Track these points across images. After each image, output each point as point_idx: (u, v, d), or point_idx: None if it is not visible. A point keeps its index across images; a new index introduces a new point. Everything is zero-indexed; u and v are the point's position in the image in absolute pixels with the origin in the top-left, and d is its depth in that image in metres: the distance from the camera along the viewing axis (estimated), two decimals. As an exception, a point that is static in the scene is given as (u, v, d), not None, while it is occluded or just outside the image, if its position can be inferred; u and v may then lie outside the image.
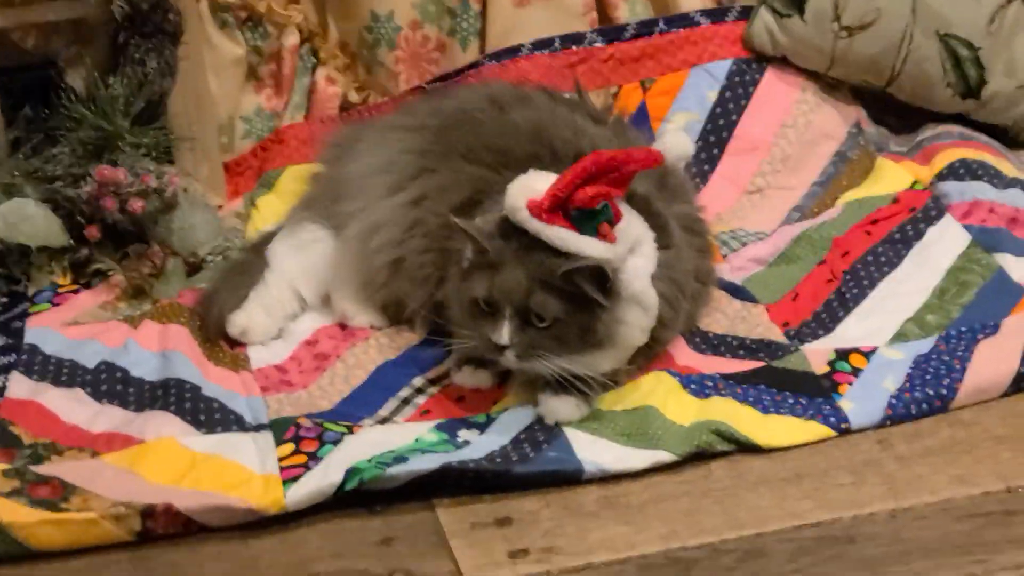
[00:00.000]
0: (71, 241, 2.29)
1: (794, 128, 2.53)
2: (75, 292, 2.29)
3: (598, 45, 2.56)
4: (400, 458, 1.82)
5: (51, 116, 2.36)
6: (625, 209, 1.92)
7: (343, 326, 2.17)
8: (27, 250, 2.27)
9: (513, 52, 2.53)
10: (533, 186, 1.89)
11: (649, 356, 2.00)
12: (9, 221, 2.25)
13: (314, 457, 1.85)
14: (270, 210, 2.44)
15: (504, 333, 1.84)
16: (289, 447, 1.88)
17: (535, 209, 1.84)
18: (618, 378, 1.97)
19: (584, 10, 2.56)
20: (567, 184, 1.85)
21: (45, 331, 2.16)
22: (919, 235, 2.30)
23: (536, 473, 1.83)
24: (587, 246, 1.85)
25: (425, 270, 2.08)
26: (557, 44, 2.55)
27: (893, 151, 2.60)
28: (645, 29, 2.58)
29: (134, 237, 2.30)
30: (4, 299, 2.26)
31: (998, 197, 2.35)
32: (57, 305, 2.25)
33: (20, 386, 2.02)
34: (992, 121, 2.61)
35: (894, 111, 2.66)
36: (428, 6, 2.50)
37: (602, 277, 1.84)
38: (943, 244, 2.27)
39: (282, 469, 1.83)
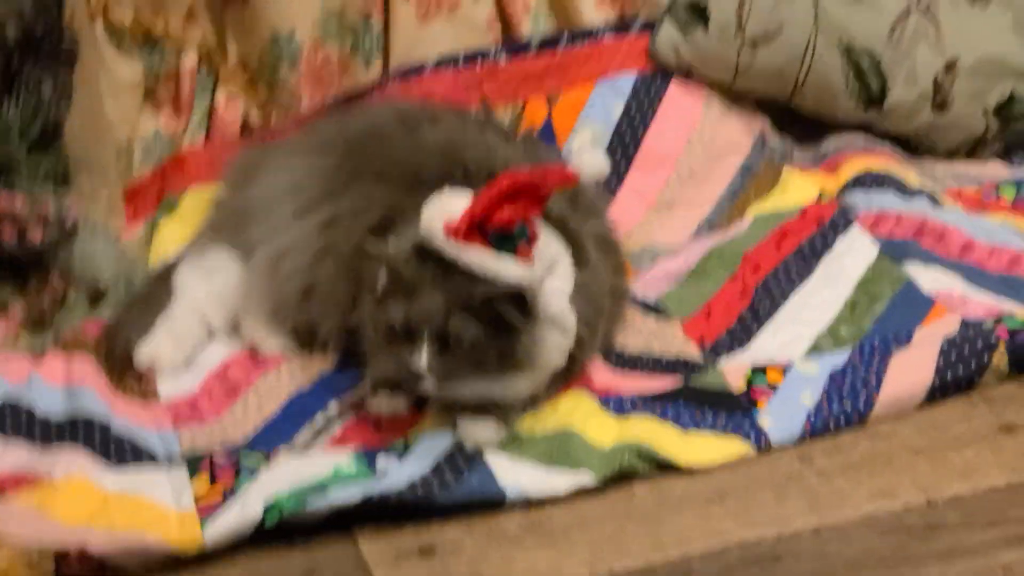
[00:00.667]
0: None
1: (700, 142, 2.53)
2: (-29, 325, 2.21)
3: (502, 61, 2.53)
4: (319, 489, 1.78)
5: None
6: (542, 229, 1.90)
7: (253, 353, 2.12)
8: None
9: (417, 69, 2.51)
10: (448, 207, 1.86)
11: (567, 377, 1.98)
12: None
13: (231, 492, 1.81)
14: (172, 235, 2.39)
15: (423, 359, 1.82)
16: (204, 481, 1.83)
17: (452, 232, 1.82)
18: (536, 401, 1.94)
19: (487, 25, 2.54)
20: (484, 205, 1.82)
21: (-57, 368, 2.09)
22: (828, 246, 2.31)
23: (458, 501, 1.80)
24: (505, 269, 1.82)
25: (337, 295, 2.05)
26: (461, 60, 2.52)
27: (798, 162, 2.60)
28: (549, 44, 2.57)
29: (31, 266, 2.23)
30: None
31: (904, 207, 2.36)
32: (-45, 340, 2.17)
33: (-79, 428, 1.95)
34: (895, 131, 2.62)
35: (798, 122, 2.66)
36: (329, 24, 2.47)
37: (521, 300, 1.82)
38: (852, 256, 2.28)
39: (199, 507, 1.78)
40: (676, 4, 2.57)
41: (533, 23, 2.59)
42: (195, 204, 2.42)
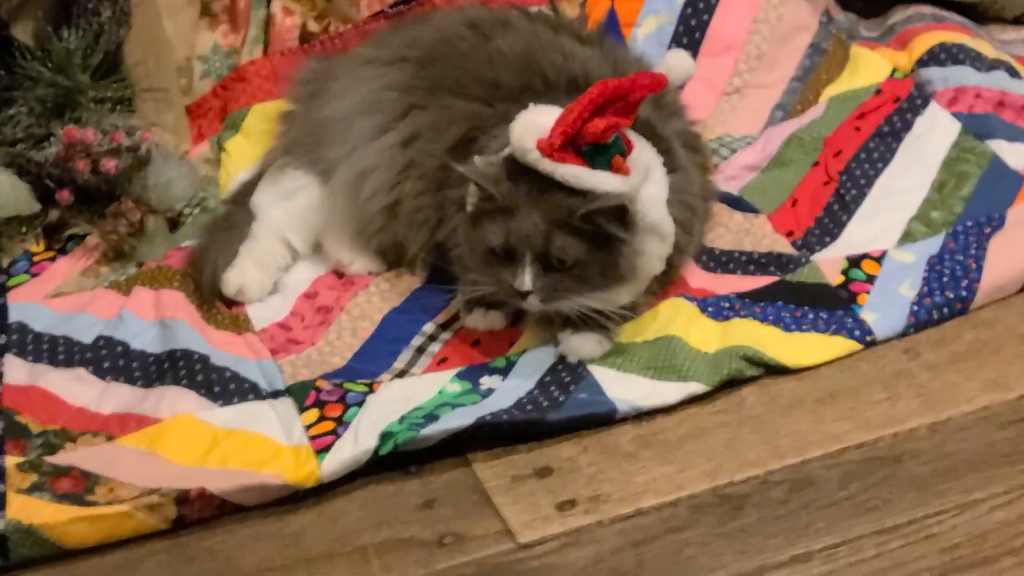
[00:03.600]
0: (40, 206, 2.18)
1: (766, 23, 2.47)
2: (51, 260, 2.19)
3: (563, -49, 2.47)
4: (431, 416, 1.77)
5: (4, 75, 2.23)
6: (633, 137, 1.86)
7: (340, 274, 2.10)
8: (-1, 216, 2.16)
9: (477, -32, 2.43)
10: (537, 122, 1.82)
11: (665, 283, 1.96)
12: (-17, 191, 2.13)
13: (341, 422, 1.80)
14: (240, 153, 2.35)
15: (527, 279, 1.79)
16: (313, 413, 1.82)
17: (545, 148, 1.78)
18: (637, 309, 1.92)
19: (546, -82, 2.46)
20: (576, 118, 1.79)
21: (29, 306, 2.08)
22: (908, 126, 2.28)
23: (570, 418, 1.79)
24: (602, 182, 1.79)
25: (423, 213, 2.02)
26: (520, -45, 2.45)
27: (865, 37, 2.56)
28: (605, -69, 2.50)
29: (106, 197, 2.20)
30: (-24, 268, 2.15)
31: (983, 81, 2.32)
32: (35, 275, 2.16)
33: (17, 370, 1.94)
34: (964, -1, 2.56)
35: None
36: (385, -73, 2.40)
37: (621, 212, 1.79)
38: (934, 135, 2.25)
39: (311, 438, 1.77)
40: None
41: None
42: (260, 120, 2.39)
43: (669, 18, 2.47)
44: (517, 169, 1.82)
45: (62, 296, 2.10)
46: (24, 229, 2.21)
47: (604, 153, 1.81)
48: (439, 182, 2.00)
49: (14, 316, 2.05)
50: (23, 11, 2.33)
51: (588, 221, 1.78)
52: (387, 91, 2.09)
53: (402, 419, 1.77)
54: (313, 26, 2.48)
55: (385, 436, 1.75)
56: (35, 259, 2.20)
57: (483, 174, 1.82)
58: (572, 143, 1.80)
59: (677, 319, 1.93)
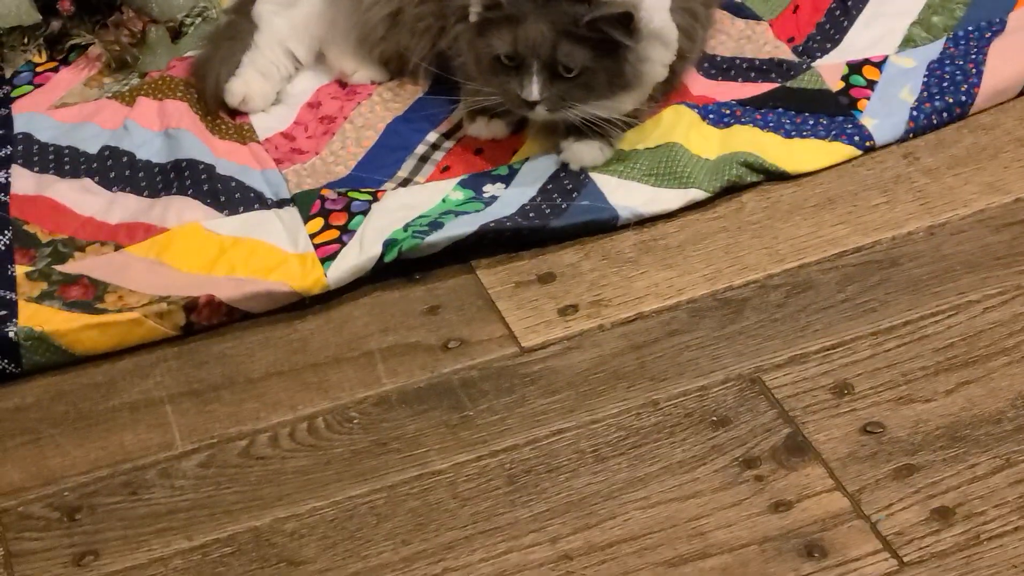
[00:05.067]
0: (41, 17, 2.18)
1: None
2: (54, 70, 2.20)
3: None
4: (436, 224, 1.80)
5: None
6: (636, -55, 1.85)
7: (343, 84, 2.10)
8: (-2, 28, 2.16)
9: None
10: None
11: (667, 90, 1.97)
12: (-18, 1, 2.13)
13: (346, 230, 1.82)
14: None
15: (534, 88, 1.81)
16: (318, 222, 1.85)
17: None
18: (639, 116, 1.93)
19: None
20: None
21: (34, 116, 2.09)
22: (911, -71, 2.24)
23: (572, 225, 1.81)
24: (607, -12, 1.78)
25: (424, 21, 2.02)
26: None
27: None
28: None
29: (107, 7, 2.20)
30: (-17, 92, 2.15)
31: None
32: (39, 86, 2.17)
33: (24, 180, 1.96)
34: None
35: None
36: None
37: (627, 20, 1.79)
38: (937, -63, 2.22)
39: (316, 247, 1.79)
40: None
41: None
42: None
43: None
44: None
45: (66, 107, 2.11)
46: (26, 40, 2.21)
47: (608, -39, 1.80)
48: (445, -8, 1.99)
49: (19, 127, 2.07)
50: None
51: (594, 28, 1.79)
52: None
53: (406, 227, 1.80)
54: None
55: (390, 244, 1.77)
56: (38, 70, 2.20)
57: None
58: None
59: (678, 126, 1.94)
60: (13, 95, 2.15)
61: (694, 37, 1.95)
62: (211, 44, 2.13)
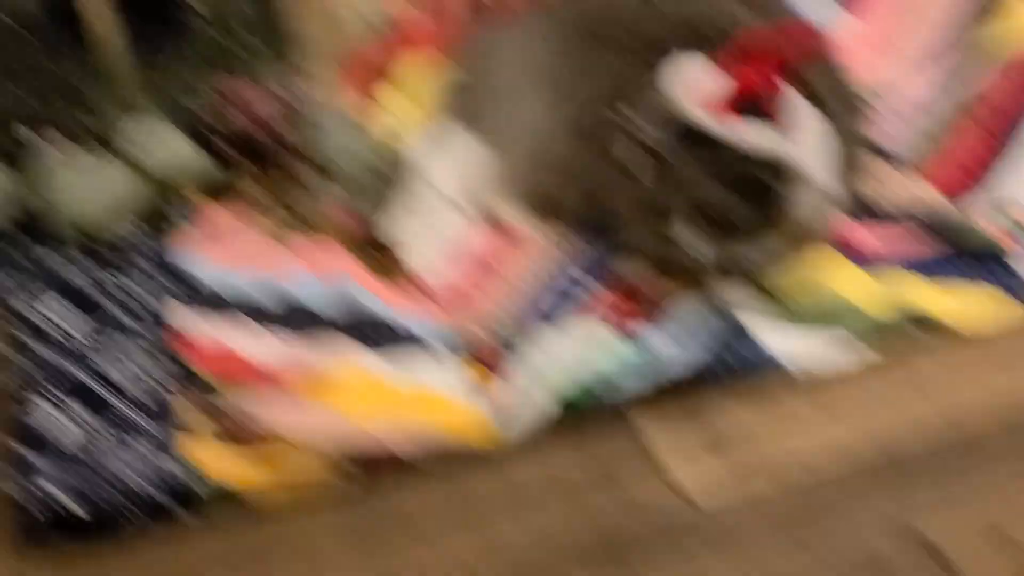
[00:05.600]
0: (202, 159, 2.25)
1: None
2: (212, 211, 2.25)
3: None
4: (602, 376, 1.82)
5: (169, 31, 2.29)
6: (790, 92, 1.88)
7: (500, 230, 2.14)
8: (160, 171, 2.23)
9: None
10: (695, 77, 1.84)
11: (818, 235, 1.98)
12: (145, 144, 2.20)
13: (510, 378, 1.84)
14: (399, 111, 2.38)
15: (688, 231, 1.82)
16: (482, 369, 1.87)
17: (707, 104, 1.81)
18: (791, 260, 1.95)
19: None
20: (734, 74, 1.81)
21: (194, 255, 2.14)
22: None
23: (732, 371, 1.83)
24: (760, 135, 1.82)
25: (583, 169, 2.06)
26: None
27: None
28: None
29: (266, 151, 2.26)
30: (142, 222, 2.21)
31: None
32: (197, 226, 2.22)
33: (186, 317, 2.00)
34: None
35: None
36: None
37: (780, 165, 1.81)
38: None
39: (482, 395, 1.82)
40: None
41: None
42: (417, 78, 2.42)
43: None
44: (678, 124, 1.84)
45: (225, 246, 2.16)
46: (186, 181, 2.26)
47: (762, 108, 1.83)
48: (600, 139, 2.02)
49: (180, 264, 2.11)
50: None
51: (748, 173, 1.80)
52: (549, 53, 2.14)
53: (574, 379, 1.81)
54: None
55: (560, 396, 1.79)
56: (196, 210, 2.25)
57: (644, 127, 1.85)
58: (732, 97, 1.82)
59: (832, 272, 1.95)
60: (172, 233, 2.19)
61: (844, 182, 1.95)
62: (370, 190, 2.17)
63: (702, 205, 1.83)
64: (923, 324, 1.88)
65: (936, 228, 2.04)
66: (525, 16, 2.25)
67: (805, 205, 1.89)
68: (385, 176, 2.19)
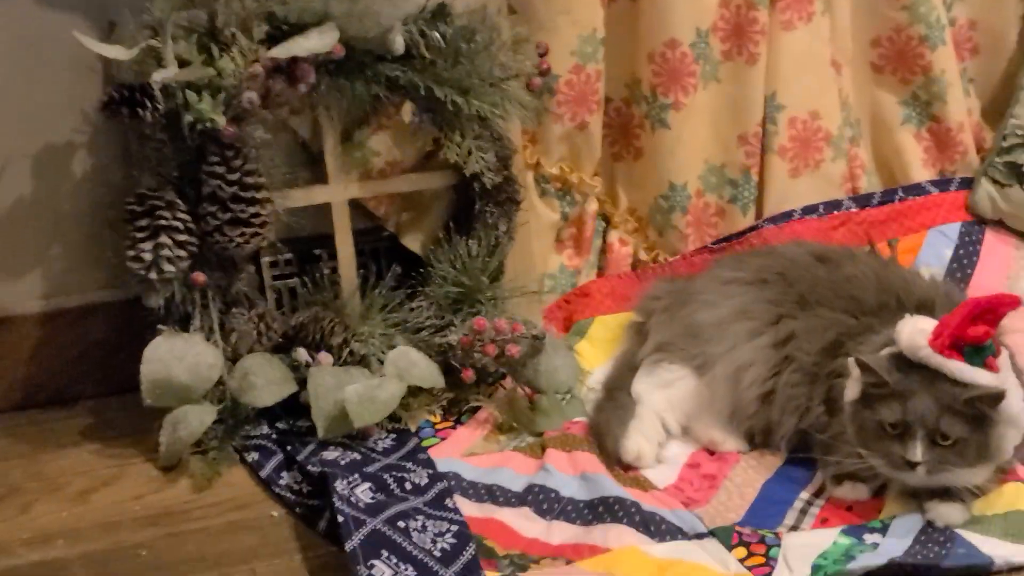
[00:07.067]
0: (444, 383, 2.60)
1: (1017, 280, 2.95)
2: (452, 428, 2.58)
3: (853, 210, 2.97)
4: (850, 555, 2.16)
5: (412, 275, 2.67)
6: (999, 342, 2.31)
7: (710, 452, 2.51)
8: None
9: (787, 216, 2.93)
10: (920, 327, 2.27)
11: (1009, 467, 2.37)
12: (400, 366, 2.54)
13: (768, 557, 2.18)
14: (585, 355, 2.77)
15: (918, 452, 2.21)
16: (741, 551, 2.20)
17: (936, 346, 2.23)
18: (987, 488, 2.34)
19: (841, 181, 2.97)
20: (960, 323, 2.24)
21: (451, 460, 2.45)
22: None
23: (957, 566, 2.17)
24: (980, 376, 2.23)
25: (795, 401, 2.44)
26: (821, 210, 2.95)
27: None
28: (888, 197, 3.01)
29: (498, 377, 2.62)
30: (393, 436, 2.54)
31: None
32: (443, 439, 2.55)
33: (469, 507, 2.31)
34: None
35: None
36: (710, 177, 2.90)
37: (997, 400, 2.22)
38: None
39: (749, 568, 2.15)
40: (993, 164, 3.01)
41: (867, 180, 3.03)
42: (602, 329, 2.82)
43: (939, 270, 2.95)
44: (905, 363, 2.26)
45: (476, 456, 2.49)
46: (428, 401, 2.60)
47: (981, 353, 2.26)
48: (811, 377, 2.43)
49: (443, 467, 2.43)
50: (413, 224, 2.78)
51: (971, 406, 2.21)
52: (757, 303, 2.54)
53: (825, 555, 2.15)
54: (643, 255, 2.94)
55: (816, 568, 2.13)
56: (437, 427, 2.59)
57: (879, 365, 2.26)
58: (955, 344, 2.25)
59: (1019, 497, 2.33)
60: (424, 444, 2.52)
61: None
62: (601, 412, 2.54)
63: (934, 428, 2.22)
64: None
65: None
66: (714, 273, 2.67)
67: (1009, 440, 2.30)
68: (610, 400, 2.56)
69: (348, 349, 2.57)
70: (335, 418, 2.46)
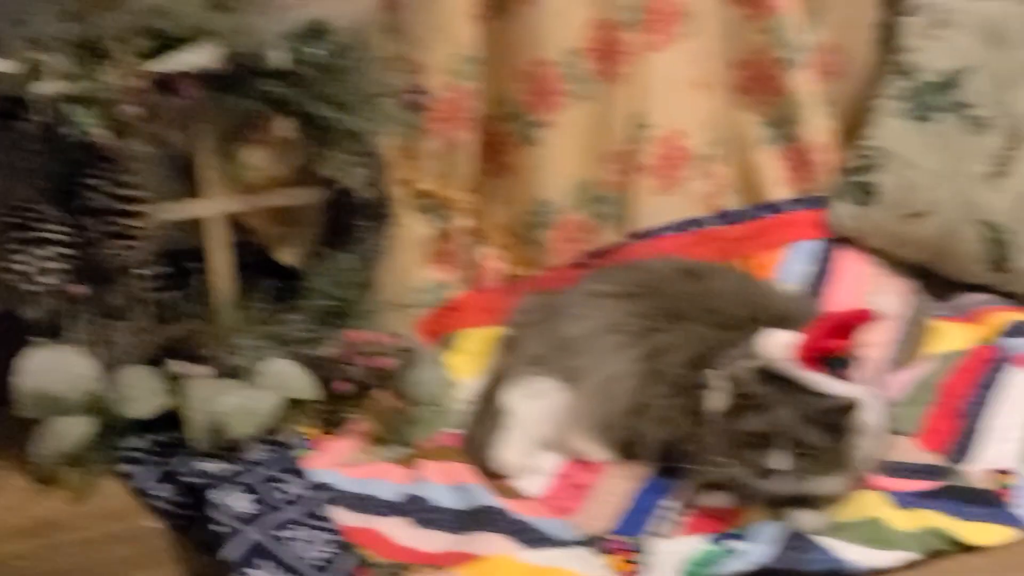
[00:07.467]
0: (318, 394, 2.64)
1: (871, 295, 3.06)
2: (325, 440, 2.62)
3: (716, 227, 3.07)
4: (716, 562, 2.24)
5: (285, 288, 2.71)
6: (855, 354, 2.41)
7: (580, 462, 2.58)
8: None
9: (653, 232, 3.02)
10: (782, 340, 2.37)
11: (863, 476, 2.47)
12: (275, 378, 2.58)
13: (638, 565, 2.25)
14: (456, 368, 2.83)
15: (779, 460, 2.30)
16: (612, 559, 2.27)
17: (798, 358, 2.32)
18: (845, 495, 2.44)
19: (705, 198, 3.07)
20: (820, 337, 2.34)
21: (326, 471, 2.49)
22: (999, 381, 2.85)
23: (817, 572, 2.26)
24: (838, 388, 2.33)
25: (663, 412, 2.52)
26: (686, 226, 3.05)
27: (940, 314, 3.16)
28: (749, 214, 3.11)
29: (371, 389, 2.66)
30: (268, 447, 2.57)
31: (1054, 351, 2.92)
32: (318, 451, 2.58)
33: (345, 516, 2.35)
34: (1012, 290, 3.20)
35: (931, 282, 3.23)
36: (578, 194, 2.98)
37: (853, 411, 2.33)
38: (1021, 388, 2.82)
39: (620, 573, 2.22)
40: (849, 183, 3.13)
41: (729, 197, 3.13)
42: (472, 341, 2.88)
43: (796, 287, 3.05)
44: (767, 375, 2.35)
45: (350, 466, 2.53)
46: (303, 412, 2.64)
47: (839, 366, 2.36)
48: (679, 389, 2.51)
49: (317, 479, 2.47)
50: (287, 238, 2.82)
51: (829, 416, 2.31)
52: (626, 316, 2.61)
53: (693, 562, 2.23)
54: (513, 270, 3.01)
55: (689, 571, 2.20)
56: (311, 438, 2.62)
57: (742, 377, 2.35)
58: (815, 356, 2.34)
59: (874, 505, 2.44)
60: (299, 456, 2.56)
61: (885, 435, 2.48)
62: (473, 423, 2.60)
63: (795, 439, 2.31)
64: (953, 543, 2.36)
65: (943, 480, 2.55)
66: (583, 287, 2.74)
67: (864, 449, 2.40)
68: (483, 411, 2.62)
69: (224, 361, 2.57)
70: (211, 430, 2.47)
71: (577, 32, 2.92)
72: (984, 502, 2.47)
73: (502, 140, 2.99)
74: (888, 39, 3.23)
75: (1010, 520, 2.42)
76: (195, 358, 2.58)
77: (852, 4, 3.21)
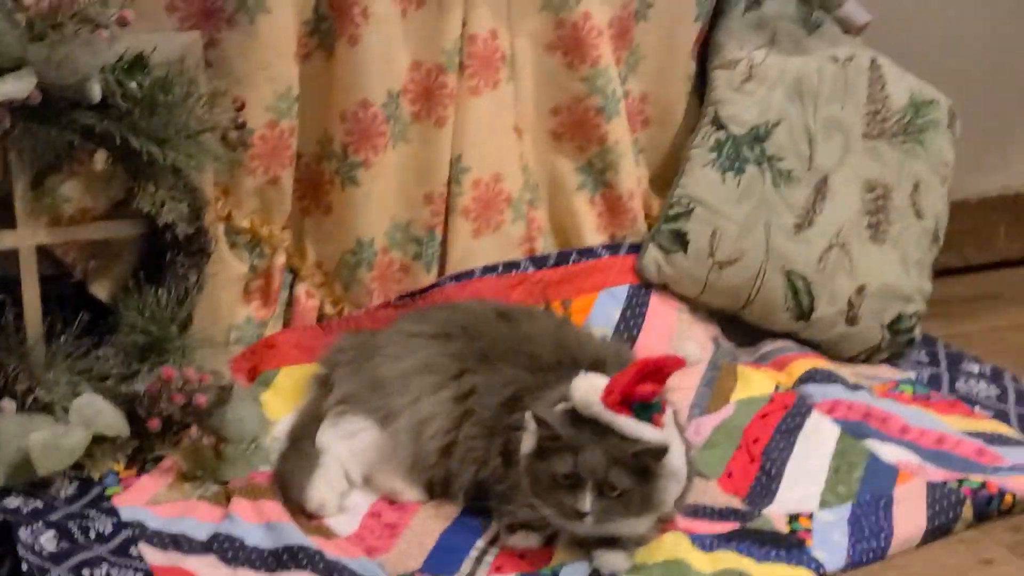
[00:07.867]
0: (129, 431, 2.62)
1: (680, 340, 3.15)
2: (137, 476, 2.60)
3: (530, 271, 3.13)
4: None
5: (99, 321, 2.69)
6: (664, 400, 2.48)
7: (391, 501, 2.60)
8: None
9: (469, 274, 3.06)
10: (593, 384, 2.43)
11: (669, 518, 2.54)
12: (85, 414, 2.56)
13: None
14: (271, 405, 2.84)
15: (587, 502, 2.35)
16: (418, 599, 2.30)
17: (608, 402, 2.38)
18: (650, 537, 2.50)
19: (521, 242, 3.13)
20: (630, 381, 2.40)
21: (136, 508, 2.48)
22: (800, 426, 2.95)
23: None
24: (647, 431, 2.39)
25: (475, 453, 2.56)
26: (501, 269, 3.10)
27: (744, 361, 3.26)
28: (562, 259, 3.18)
29: (183, 426, 2.66)
30: (77, 484, 2.54)
31: (850, 397, 3.04)
32: (128, 488, 2.57)
33: (154, 555, 2.34)
34: (814, 339, 3.32)
35: (738, 329, 3.33)
36: (396, 234, 3.01)
37: (661, 455, 2.39)
38: (821, 434, 2.93)
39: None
40: (660, 231, 3.21)
41: (544, 241, 3.19)
42: (287, 379, 2.89)
43: (607, 331, 3.13)
44: (577, 418, 2.40)
45: (160, 504, 2.52)
46: (113, 449, 2.62)
47: (648, 410, 2.42)
48: (491, 430, 2.56)
49: (126, 516, 2.45)
50: (102, 272, 2.80)
51: (637, 459, 2.37)
52: (440, 357, 2.65)
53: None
54: (329, 308, 3.03)
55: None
56: (121, 475, 2.61)
57: (551, 419, 2.40)
58: (625, 400, 2.41)
59: (678, 546, 2.50)
60: (108, 493, 2.54)
61: (691, 479, 2.55)
62: (286, 461, 2.60)
63: (602, 480, 2.37)
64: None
65: (742, 523, 2.63)
66: (400, 327, 2.77)
67: (671, 492, 2.47)
68: (295, 449, 2.63)
69: (33, 396, 2.56)
70: (18, 466, 2.44)
71: (399, 74, 2.96)
72: (784, 544, 2.54)
73: (323, 179, 3.00)
74: (701, 91, 3.32)
75: (809, 562, 2.50)
76: (3, 393, 2.53)
77: (667, 56, 3.29)
